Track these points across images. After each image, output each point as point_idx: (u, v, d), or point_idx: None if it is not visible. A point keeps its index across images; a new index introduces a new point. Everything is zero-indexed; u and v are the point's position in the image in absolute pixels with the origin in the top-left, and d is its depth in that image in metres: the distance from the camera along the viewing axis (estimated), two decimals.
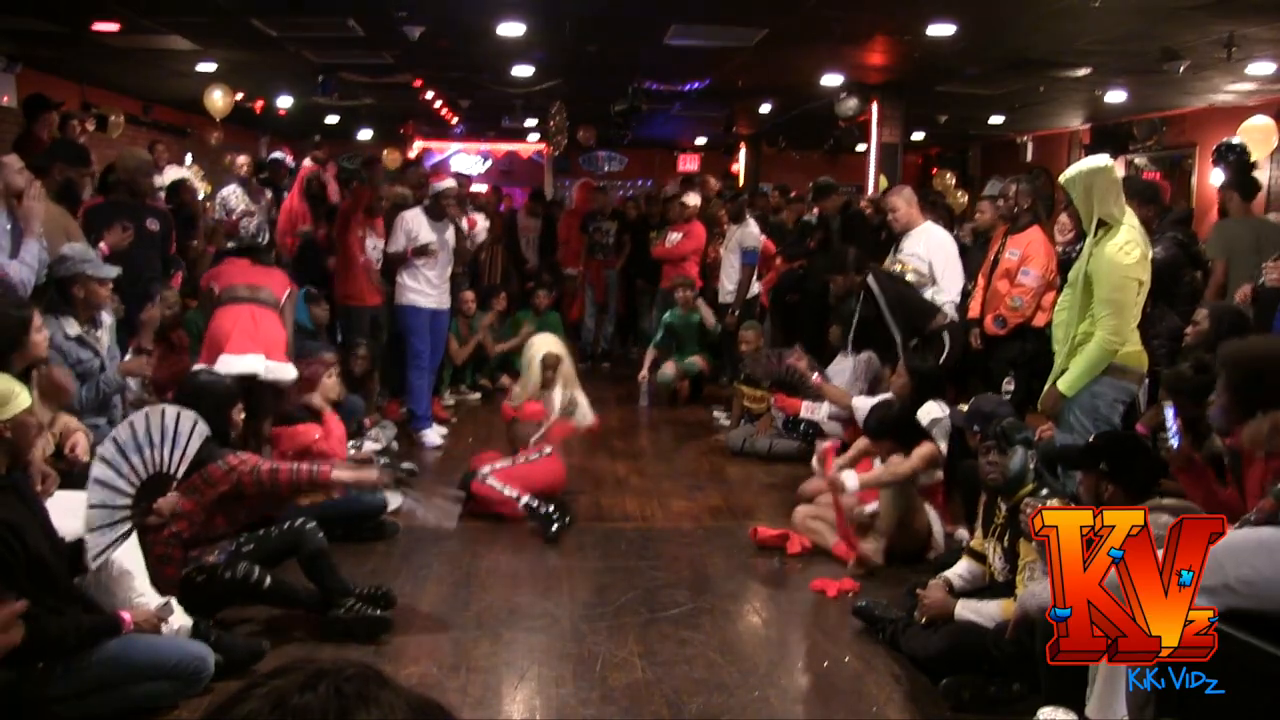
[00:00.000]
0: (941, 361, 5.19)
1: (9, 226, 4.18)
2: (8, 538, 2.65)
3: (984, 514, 3.63)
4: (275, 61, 8.47)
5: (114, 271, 4.35)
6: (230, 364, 4.75)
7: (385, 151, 13.33)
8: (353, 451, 5.33)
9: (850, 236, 7.48)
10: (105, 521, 3.07)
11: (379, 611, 3.68)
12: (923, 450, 4.52)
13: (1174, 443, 3.34)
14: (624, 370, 9.26)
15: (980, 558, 3.60)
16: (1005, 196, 5.63)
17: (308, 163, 7.74)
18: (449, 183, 6.82)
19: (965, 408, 4.23)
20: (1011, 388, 4.99)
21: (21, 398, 2.92)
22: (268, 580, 3.58)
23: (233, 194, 8.15)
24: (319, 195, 7.57)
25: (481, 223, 8.35)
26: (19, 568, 2.67)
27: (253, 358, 4.84)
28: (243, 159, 9.04)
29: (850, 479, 4.43)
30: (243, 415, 4.13)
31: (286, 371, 4.95)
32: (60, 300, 4.22)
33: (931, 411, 4.88)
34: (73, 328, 4.18)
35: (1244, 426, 2.89)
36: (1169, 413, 3.43)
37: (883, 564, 4.37)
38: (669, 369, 8.02)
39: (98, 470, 3.10)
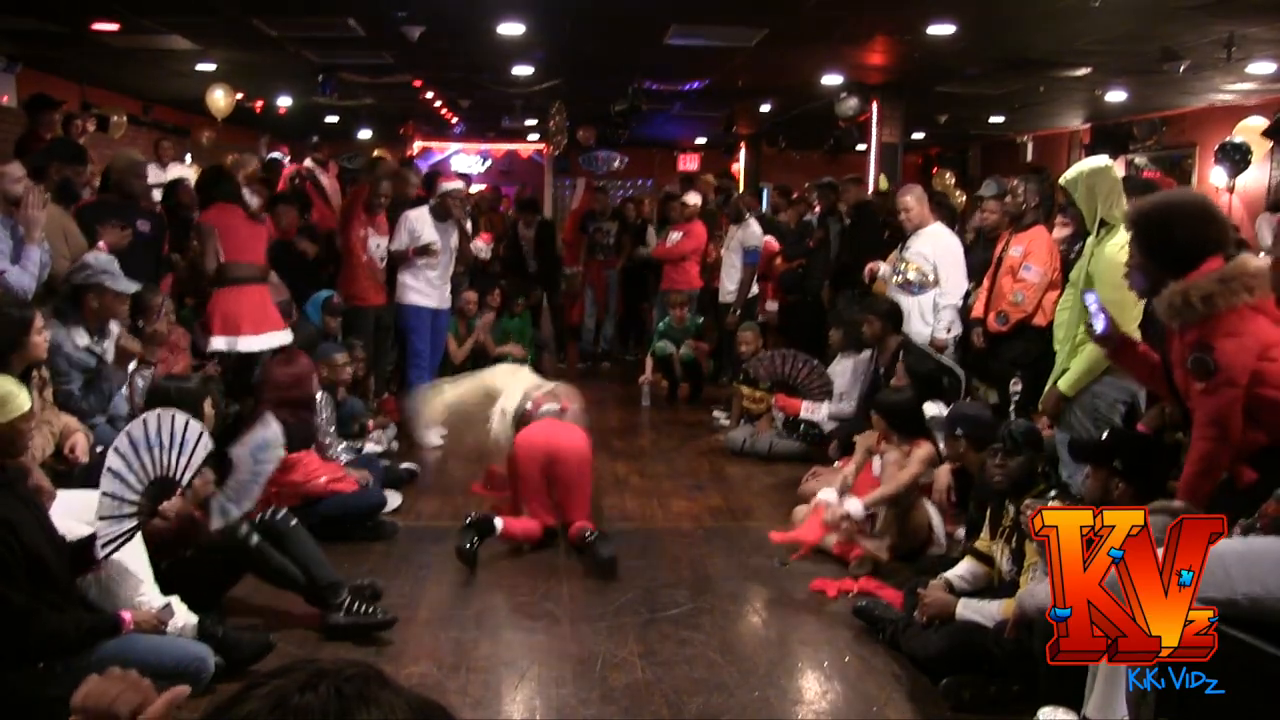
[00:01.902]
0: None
1: (8, 232, 4.19)
2: (5, 536, 2.65)
3: (991, 516, 3.63)
4: (275, 61, 8.47)
5: (134, 287, 4.37)
6: (252, 343, 5.43)
7: (375, 151, 13.32)
8: (351, 456, 5.33)
9: (858, 233, 7.48)
10: (115, 512, 3.03)
11: (375, 609, 3.70)
12: (921, 453, 4.52)
13: (1100, 327, 3.30)
14: (624, 371, 9.25)
15: (985, 559, 3.60)
16: (1013, 195, 5.62)
17: (308, 162, 7.77)
18: (455, 184, 6.83)
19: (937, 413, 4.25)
20: (1019, 388, 4.98)
21: (19, 401, 2.91)
22: (255, 538, 3.59)
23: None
24: (301, 192, 7.59)
25: (481, 244, 8.34)
26: (17, 566, 2.67)
27: (270, 335, 5.53)
28: (253, 167, 9.08)
29: (854, 505, 4.38)
30: (213, 410, 4.10)
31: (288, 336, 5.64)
32: (70, 309, 4.22)
33: (930, 410, 4.90)
34: (82, 337, 4.19)
35: (1159, 297, 2.92)
36: (1089, 298, 3.42)
37: (888, 559, 4.36)
38: (667, 345, 8.09)
39: (112, 460, 3.06)
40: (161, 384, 4.03)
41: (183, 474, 3.24)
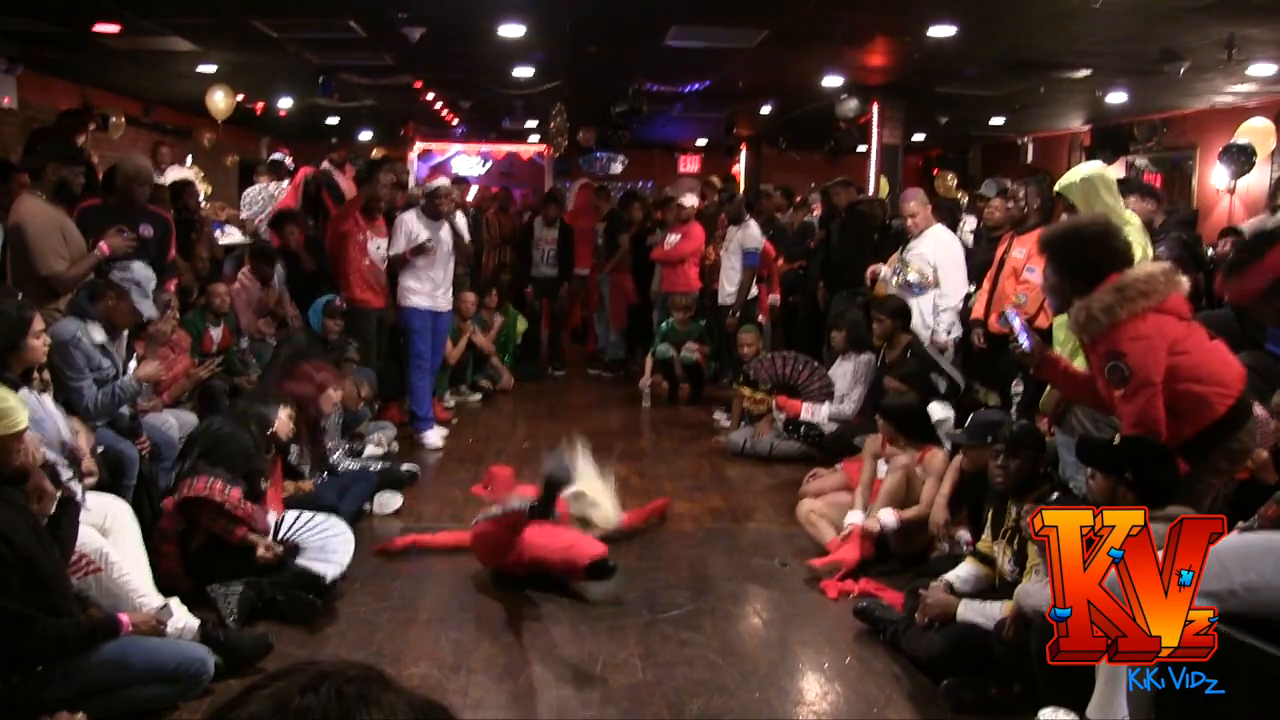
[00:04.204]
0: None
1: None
2: None
3: (993, 517, 3.63)
4: (276, 63, 8.47)
5: (149, 313, 4.41)
6: None
7: (374, 151, 13.32)
8: (351, 459, 5.33)
9: (852, 234, 7.49)
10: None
11: (311, 597, 3.80)
12: (938, 464, 4.46)
13: (1025, 344, 3.43)
14: (626, 374, 9.16)
15: (987, 560, 3.60)
16: (1015, 198, 5.63)
17: (324, 164, 7.82)
18: (441, 181, 6.86)
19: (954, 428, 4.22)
20: (1020, 389, 4.98)
21: (16, 418, 2.86)
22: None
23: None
24: (316, 197, 7.61)
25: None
26: (10, 573, 2.66)
27: None
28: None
29: (888, 517, 4.34)
30: (291, 425, 4.44)
31: None
32: (88, 304, 4.25)
33: (935, 412, 4.89)
34: (98, 334, 4.21)
35: (1068, 315, 3.20)
36: (1011, 314, 3.55)
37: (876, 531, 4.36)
38: (668, 348, 8.06)
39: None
40: (238, 408, 4.39)
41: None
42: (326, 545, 3.98)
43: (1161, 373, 3.00)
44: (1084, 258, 3.18)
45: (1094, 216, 3.58)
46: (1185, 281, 3.25)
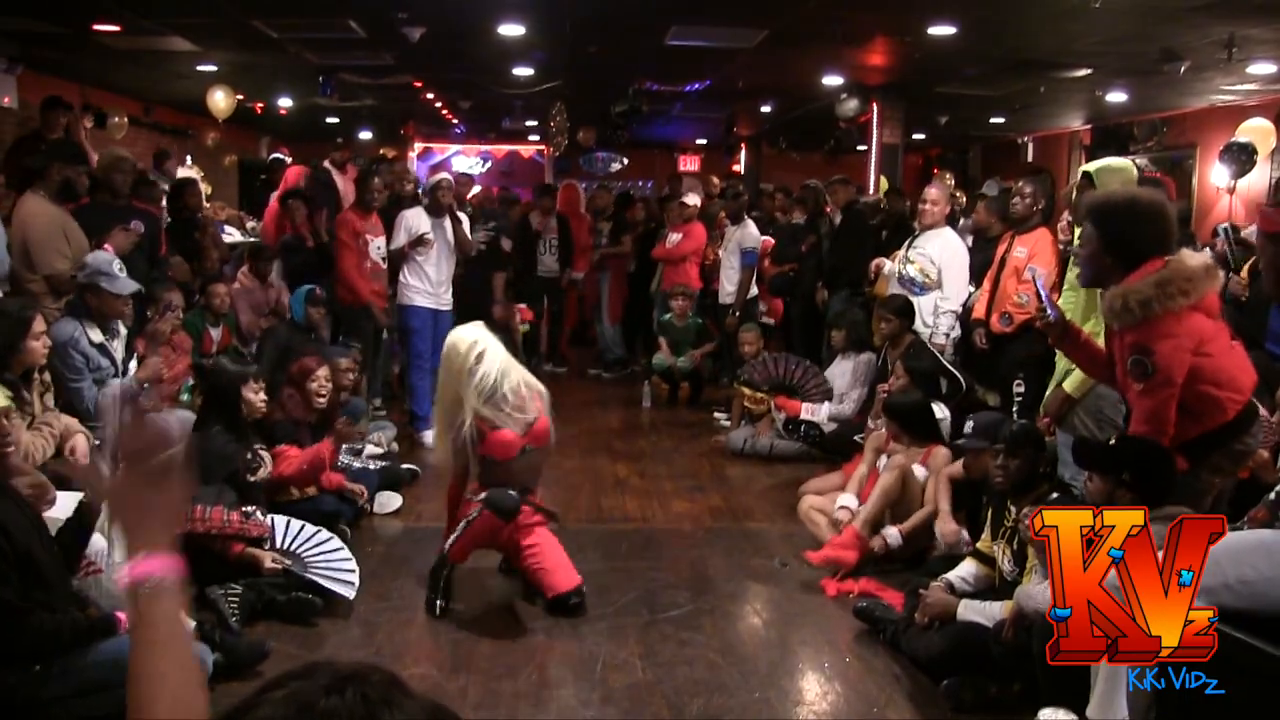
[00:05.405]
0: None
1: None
2: None
3: (993, 516, 3.63)
4: (276, 63, 8.47)
5: (132, 287, 4.37)
6: None
7: (380, 150, 13.35)
8: (350, 459, 5.32)
9: (849, 234, 7.48)
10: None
11: (310, 596, 3.77)
12: (940, 463, 4.47)
13: (1050, 313, 3.30)
14: (628, 379, 9.12)
15: (987, 560, 3.60)
16: (1022, 196, 5.63)
17: (325, 163, 7.85)
18: (440, 175, 6.89)
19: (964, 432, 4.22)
20: (1022, 389, 4.98)
21: None
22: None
23: None
24: (306, 194, 7.64)
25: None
26: (8, 566, 2.66)
27: None
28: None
29: (893, 536, 4.33)
30: (261, 396, 4.33)
31: None
32: (83, 305, 4.25)
33: (936, 414, 4.88)
34: (96, 334, 4.20)
35: (1103, 298, 3.04)
36: (1038, 281, 3.47)
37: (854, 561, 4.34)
38: (665, 356, 8.06)
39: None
40: (214, 367, 4.38)
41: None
42: (330, 565, 3.93)
43: (1183, 375, 2.91)
44: (1132, 233, 3.00)
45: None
46: (1221, 276, 3.15)
